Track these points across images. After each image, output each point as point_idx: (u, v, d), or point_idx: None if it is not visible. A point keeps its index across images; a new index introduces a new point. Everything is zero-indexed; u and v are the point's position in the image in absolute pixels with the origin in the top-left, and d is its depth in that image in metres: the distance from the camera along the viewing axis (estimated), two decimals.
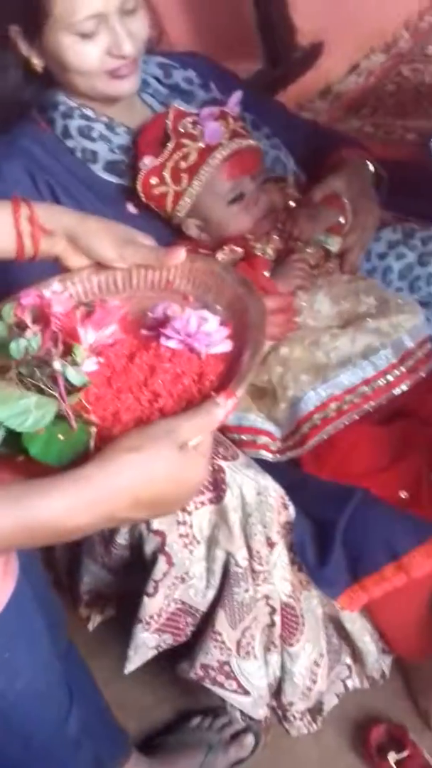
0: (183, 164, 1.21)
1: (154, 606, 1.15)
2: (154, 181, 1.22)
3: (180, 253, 0.93)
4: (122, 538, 1.17)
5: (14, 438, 0.73)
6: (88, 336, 0.80)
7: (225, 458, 1.10)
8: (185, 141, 1.20)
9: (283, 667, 1.26)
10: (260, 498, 1.11)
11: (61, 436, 0.73)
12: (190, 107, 1.35)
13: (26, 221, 0.93)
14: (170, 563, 1.12)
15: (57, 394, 0.74)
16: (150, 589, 1.13)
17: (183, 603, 1.18)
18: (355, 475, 1.19)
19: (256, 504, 1.10)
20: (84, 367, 0.78)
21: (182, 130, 1.21)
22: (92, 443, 0.73)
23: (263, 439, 1.20)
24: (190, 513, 1.10)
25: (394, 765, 1.39)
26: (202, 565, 1.14)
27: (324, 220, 1.31)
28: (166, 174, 1.21)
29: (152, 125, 1.24)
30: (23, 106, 1.28)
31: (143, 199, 1.26)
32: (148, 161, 1.22)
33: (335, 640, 1.34)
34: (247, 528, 1.11)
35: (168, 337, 0.81)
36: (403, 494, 1.16)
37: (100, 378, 0.79)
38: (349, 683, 1.40)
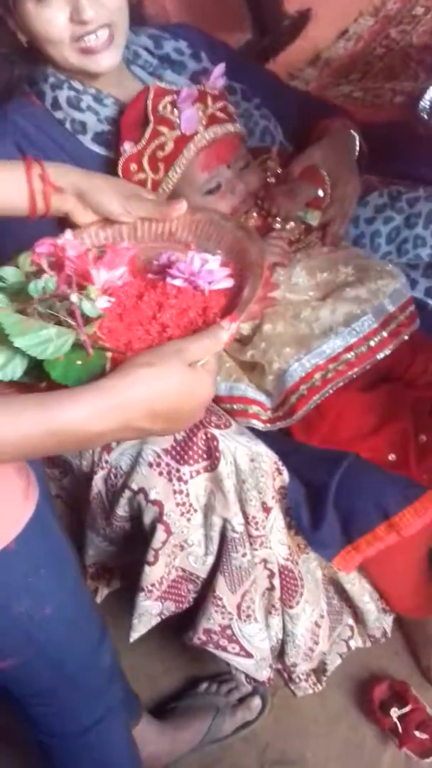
0: (160, 153, 1.21)
1: (155, 574, 1.17)
2: (133, 167, 1.22)
3: (182, 206, 0.99)
4: (122, 510, 1.20)
5: (35, 368, 0.79)
6: (100, 277, 0.85)
7: (218, 426, 1.12)
8: (162, 129, 1.20)
9: (284, 629, 1.29)
10: (254, 464, 1.13)
11: (78, 362, 0.78)
12: (180, 78, 1.35)
13: (38, 179, 0.98)
14: (169, 532, 1.14)
15: (75, 324, 0.79)
16: (150, 557, 1.16)
17: (183, 570, 1.21)
18: (345, 441, 1.20)
19: (249, 470, 1.12)
20: (97, 305, 0.83)
21: (161, 113, 1.20)
22: (108, 367, 0.79)
23: (254, 408, 1.22)
24: (186, 482, 1.12)
25: (396, 720, 1.43)
26: (200, 532, 1.17)
27: (302, 196, 1.31)
28: (145, 162, 1.21)
29: (133, 105, 1.24)
30: (14, 83, 1.28)
31: None
32: (128, 147, 1.22)
33: (336, 602, 1.37)
34: (242, 494, 1.13)
35: (173, 277, 0.87)
36: (391, 457, 1.17)
37: (112, 314, 0.85)
38: (352, 643, 1.43)
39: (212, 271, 0.87)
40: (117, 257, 0.88)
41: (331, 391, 1.16)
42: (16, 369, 0.79)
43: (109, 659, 1.12)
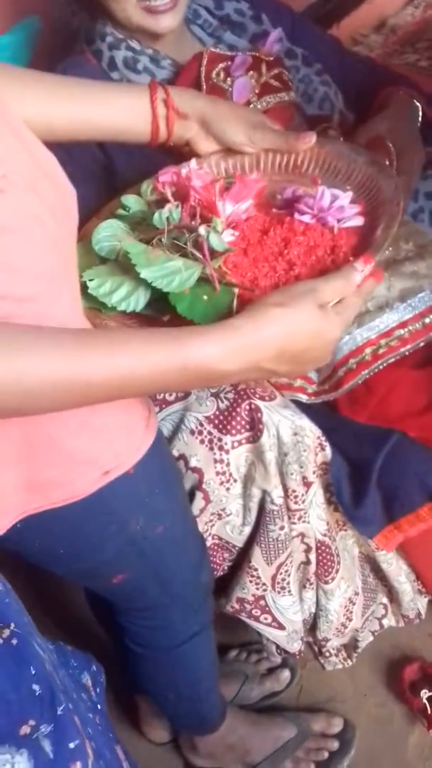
0: None
1: None
2: None
3: (311, 137, 0.96)
4: None
5: (160, 301, 0.79)
6: (226, 209, 0.84)
7: (262, 398, 1.11)
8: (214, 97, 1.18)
9: (318, 604, 1.29)
10: (297, 438, 1.12)
11: (205, 297, 0.78)
12: (240, 40, 1.32)
13: (162, 104, 0.96)
14: (207, 500, 1.14)
15: (201, 258, 0.78)
16: None
17: (220, 539, 1.21)
18: (393, 419, 1.18)
19: (292, 444, 1.11)
20: (222, 238, 0.82)
21: (214, 80, 1.18)
22: (235, 304, 0.78)
23: (299, 382, 1.20)
24: (227, 451, 1.11)
25: (426, 702, 1.42)
26: (238, 502, 1.16)
27: None
28: None
29: (187, 71, 1.21)
30: (71, 36, 1.27)
31: None
32: None
33: (371, 580, 1.36)
34: (283, 467, 1.12)
35: (301, 212, 0.85)
36: None
37: (236, 249, 0.83)
38: (385, 622, 1.42)
39: (343, 208, 0.84)
40: (245, 189, 0.86)
41: (381, 367, 1.14)
42: (139, 300, 0.80)
43: (207, 576, 1.14)
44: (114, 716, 1.48)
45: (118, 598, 1.06)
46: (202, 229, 0.80)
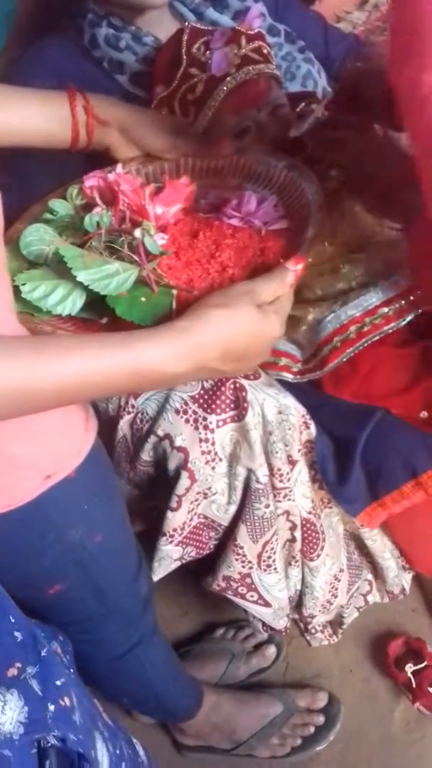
0: (190, 96, 1.17)
1: (177, 520, 1.18)
2: (164, 111, 1.19)
3: (230, 145, 0.97)
4: (147, 455, 1.20)
5: (95, 303, 0.79)
6: (156, 213, 0.85)
7: (246, 377, 1.11)
8: (193, 71, 1.16)
9: (303, 581, 1.29)
10: (281, 416, 1.12)
11: (143, 299, 0.79)
12: (222, 17, 1.31)
13: (82, 111, 0.96)
14: (193, 479, 1.14)
15: (138, 260, 0.79)
16: (173, 503, 1.16)
17: (205, 517, 1.21)
18: (376, 397, 1.18)
19: (277, 422, 1.11)
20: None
21: (194, 53, 1.17)
22: (174, 305, 0.78)
23: (284, 361, 1.20)
24: (212, 431, 1.11)
25: (411, 675, 1.44)
26: (223, 481, 1.17)
27: None
28: (176, 105, 1.18)
29: (167, 46, 1.20)
30: (53, 13, 1.25)
31: None
32: (159, 90, 1.19)
33: (356, 557, 1.37)
34: (268, 446, 1.12)
35: (229, 216, 0.86)
36: (423, 414, 1.15)
37: (170, 251, 0.84)
38: (370, 598, 1.43)
39: (268, 212, 0.86)
40: (174, 193, 0.86)
41: (365, 345, 1.14)
42: (74, 304, 0.80)
43: (145, 586, 1.15)
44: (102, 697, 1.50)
45: (54, 612, 1.05)
46: (137, 232, 0.81)
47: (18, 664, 0.87)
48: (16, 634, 0.89)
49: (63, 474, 0.87)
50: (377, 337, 1.14)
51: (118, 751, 1.05)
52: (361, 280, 1.17)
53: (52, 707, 0.86)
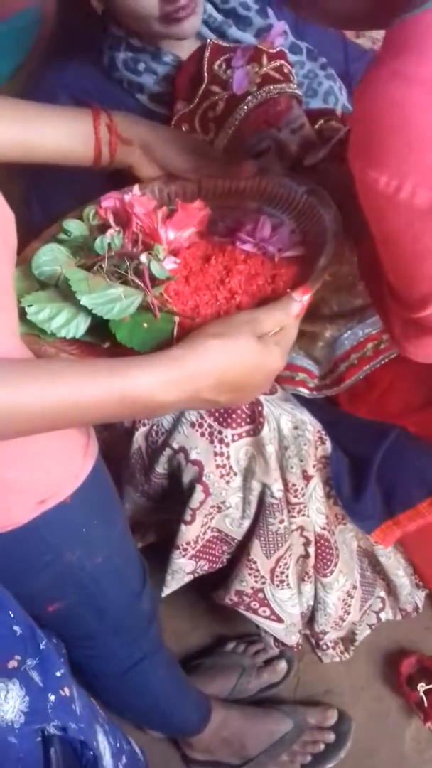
0: (211, 114, 1.17)
1: (191, 533, 1.18)
2: (185, 127, 1.19)
3: (252, 167, 0.96)
4: (161, 468, 1.20)
5: (98, 327, 0.79)
6: (168, 236, 0.84)
7: (263, 392, 1.11)
8: (214, 88, 1.16)
9: (316, 597, 1.29)
10: (297, 432, 1.12)
11: (145, 324, 0.78)
12: (245, 35, 1.31)
13: (105, 129, 0.96)
14: (207, 493, 1.14)
15: (142, 285, 0.78)
16: (187, 517, 1.16)
17: (219, 531, 1.21)
18: (392, 414, 1.18)
19: (292, 437, 1.11)
20: (164, 266, 0.82)
21: (215, 72, 1.17)
22: (175, 332, 0.78)
23: (301, 376, 1.20)
24: (227, 444, 1.11)
25: (423, 695, 1.42)
26: (238, 495, 1.17)
27: None
28: (196, 122, 1.18)
29: (189, 63, 1.20)
30: (75, 40, 1.26)
31: None
32: (180, 106, 1.19)
33: (369, 573, 1.36)
34: (284, 461, 1.12)
35: (243, 241, 0.85)
36: None
37: (178, 276, 0.83)
38: (382, 615, 1.42)
39: (282, 238, 0.85)
40: (187, 217, 0.86)
41: (382, 362, 1.14)
42: (78, 327, 0.79)
43: (149, 603, 1.14)
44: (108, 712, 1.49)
45: (55, 627, 1.05)
46: (143, 257, 0.80)
47: (18, 657, 0.87)
48: (15, 628, 0.90)
49: (57, 499, 0.87)
50: (394, 355, 1.14)
51: (118, 745, 1.06)
52: None
53: (52, 697, 0.87)
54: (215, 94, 1.17)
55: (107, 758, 0.98)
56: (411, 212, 0.65)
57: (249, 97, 1.16)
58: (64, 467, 0.88)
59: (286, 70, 1.22)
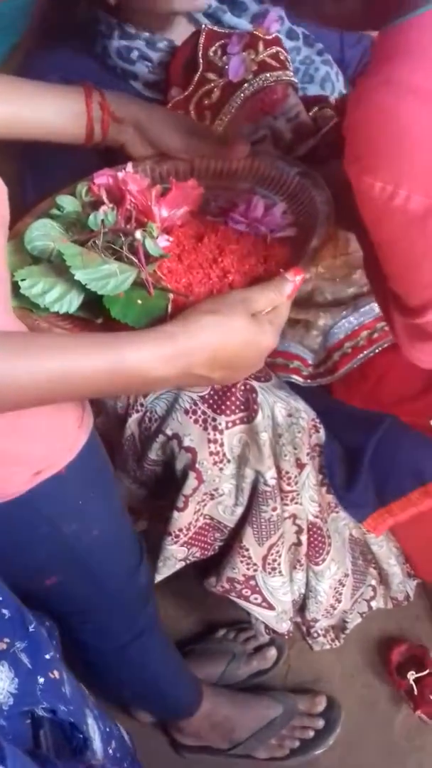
0: (206, 101, 1.16)
1: (183, 520, 1.17)
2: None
3: (245, 148, 0.96)
4: (154, 454, 1.20)
5: (93, 303, 0.79)
6: (162, 214, 0.84)
7: (257, 379, 1.11)
8: (210, 75, 1.16)
9: (308, 585, 1.29)
10: (291, 419, 1.12)
11: (139, 301, 0.78)
12: (240, 21, 1.30)
13: (98, 107, 0.95)
14: (200, 480, 1.14)
15: (137, 262, 0.78)
16: (180, 503, 1.16)
17: (212, 518, 1.21)
18: (386, 404, 1.18)
19: (286, 425, 1.11)
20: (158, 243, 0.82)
21: (210, 58, 1.16)
22: (169, 309, 0.78)
23: (295, 363, 1.20)
24: (221, 432, 1.11)
25: (413, 683, 1.43)
26: (231, 482, 1.16)
27: None
28: (191, 108, 1.17)
29: (183, 49, 1.19)
30: (70, 24, 1.25)
31: None
32: (175, 92, 1.18)
33: (361, 562, 1.36)
34: (277, 448, 1.12)
35: (235, 221, 0.86)
36: None
37: (171, 254, 0.84)
38: (373, 604, 1.43)
39: (275, 219, 0.85)
40: (181, 195, 0.86)
41: (376, 351, 1.14)
42: (72, 302, 0.79)
43: (145, 579, 1.14)
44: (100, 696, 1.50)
45: (54, 602, 1.05)
46: (138, 233, 0.80)
47: (6, 639, 0.88)
48: (4, 611, 0.90)
49: (53, 470, 0.87)
50: (387, 344, 1.13)
51: (108, 729, 1.07)
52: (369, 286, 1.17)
53: (41, 679, 0.88)
54: (211, 81, 1.16)
55: (97, 742, 0.99)
56: (406, 218, 0.66)
57: (245, 85, 1.15)
58: (59, 439, 0.88)
59: (282, 57, 1.21)
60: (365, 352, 1.15)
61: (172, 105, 1.18)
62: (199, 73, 1.16)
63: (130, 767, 1.12)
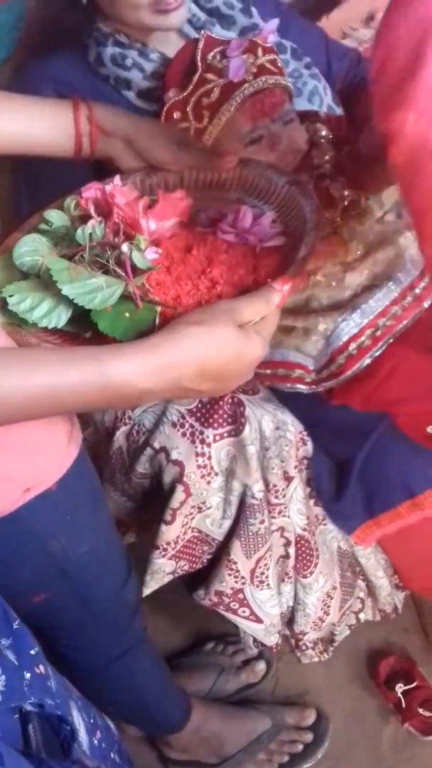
0: (205, 101, 1.17)
1: (171, 533, 1.17)
2: (176, 115, 1.18)
3: (233, 158, 0.96)
4: (142, 467, 1.19)
5: (80, 317, 0.78)
6: (149, 226, 0.84)
7: (245, 392, 1.11)
8: (209, 76, 1.16)
9: (296, 598, 1.29)
10: (278, 432, 1.12)
11: (127, 314, 0.77)
12: (229, 33, 1.31)
13: (86, 120, 0.95)
14: (188, 493, 1.14)
15: (124, 275, 0.78)
16: (168, 517, 1.16)
17: (199, 531, 1.21)
18: (387, 402, 1.17)
19: (274, 438, 1.11)
20: (146, 256, 0.82)
21: (209, 62, 1.17)
22: (157, 321, 0.77)
23: (297, 372, 1.19)
24: (209, 445, 1.11)
25: (401, 696, 1.43)
26: (219, 495, 1.16)
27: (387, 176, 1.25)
28: (189, 109, 1.18)
29: (181, 54, 1.20)
30: (61, 34, 1.25)
31: None
32: (172, 94, 1.18)
33: (349, 574, 1.36)
34: (265, 461, 1.12)
35: (224, 231, 0.86)
36: (430, 429, 1.14)
37: (160, 266, 0.83)
38: (362, 616, 1.42)
39: (264, 228, 0.85)
40: (169, 207, 0.86)
41: (383, 349, 1.13)
42: (60, 317, 0.79)
43: (132, 594, 1.14)
44: None
45: (41, 619, 1.04)
46: (125, 246, 0.80)
47: None
48: None
49: (43, 487, 0.87)
50: (391, 340, 1.13)
51: (92, 720, 1.06)
52: (366, 284, 1.17)
53: (28, 675, 0.87)
54: (210, 81, 1.16)
55: (82, 733, 0.99)
56: None
57: (245, 85, 1.16)
58: (49, 455, 0.88)
59: (279, 64, 1.22)
60: (371, 351, 1.14)
61: (169, 106, 1.18)
62: (198, 74, 1.16)
63: (117, 756, 1.12)
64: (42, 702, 0.87)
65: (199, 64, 1.16)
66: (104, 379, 0.70)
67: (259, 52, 1.18)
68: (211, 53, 1.17)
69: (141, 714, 1.34)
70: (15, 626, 0.92)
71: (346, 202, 1.18)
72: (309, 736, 1.45)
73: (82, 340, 0.80)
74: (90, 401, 0.72)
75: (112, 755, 1.10)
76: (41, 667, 0.91)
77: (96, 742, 1.05)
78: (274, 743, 1.45)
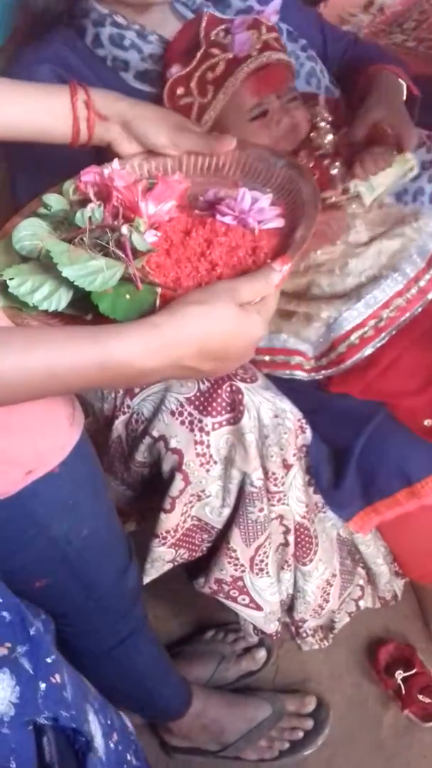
0: (210, 75, 1.16)
1: (170, 522, 1.17)
2: (180, 91, 1.17)
3: (231, 141, 0.96)
4: (141, 456, 1.19)
5: (81, 300, 0.79)
6: (149, 209, 0.84)
7: (243, 380, 1.10)
8: (214, 51, 1.15)
9: (296, 585, 1.29)
10: (277, 420, 1.11)
11: (127, 296, 0.78)
12: (224, 16, 1.30)
13: (83, 106, 0.95)
14: (187, 481, 1.14)
15: (124, 257, 0.78)
16: (167, 505, 1.15)
17: (199, 520, 1.21)
18: (387, 394, 1.17)
19: (272, 426, 1.11)
20: (145, 238, 0.82)
21: (213, 38, 1.16)
22: (158, 303, 0.78)
23: (297, 359, 1.19)
24: (207, 433, 1.11)
25: (401, 682, 1.43)
26: (218, 484, 1.16)
27: (384, 161, 1.24)
28: (193, 84, 1.17)
29: (184, 31, 1.19)
30: (56, 16, 1.24)
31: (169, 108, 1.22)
32: (175, 70, 1.17)
33: (348, 562, 1.36)
34: (264, 449, 1.12)
35: (223, 214, 0.85)
36: (427, 422, 1.14)
37: (159, 249, 0.83)
38: (361, 603, 1.43)
39: (263, 210, 0.85)
40: (167, 190, 0.86)
41: (385, 340, 1.13)
42: (61, 299, 0.79)
43: (133, 581, 1.15)
44: None
45: (43, 604, 1.05)
46: (124, 229, 0.80)
47: (8, 644, 0.87)
48: (4, 614, 0.90)
49: (45, 469, 0.87)
50: (394, 332, 1.13)
51: (109, 722, 1.06)
52: (370, 274, 1.17)
53: (43, 685, 0.87)
54: (215, 56, 1.15)
55: (98, 739, 0.98)
56: None
57: (250, 59, 1.15)
58: (51, 437, 0.88)
59: (283, 43, 1.22)
60: (373, 342, 1.14)
61: (173, 82, 1.17)
62: (203, 49, 1.15)
63: (133, 757, 1.12)
64: (56, 715, 0.86)
65: (203, 40, 1.16)
66: (103, 358, 0.70)
67: (263, 29, 1.17)
68: (215, 30, 1.16)
69: (142, 700, 1.34)
70: (32, 632, 0.91)
71: (346, 183, 1.18)
72: (309, 723, 1.46)
73: (82, 323, 0.80)
74: (90, 380, 0.72)
75: (128, 757, 1.10)
76: (57, 676, 0.90)
77: (112, 745, 1.05)
78: (274, 730, 1.45)
